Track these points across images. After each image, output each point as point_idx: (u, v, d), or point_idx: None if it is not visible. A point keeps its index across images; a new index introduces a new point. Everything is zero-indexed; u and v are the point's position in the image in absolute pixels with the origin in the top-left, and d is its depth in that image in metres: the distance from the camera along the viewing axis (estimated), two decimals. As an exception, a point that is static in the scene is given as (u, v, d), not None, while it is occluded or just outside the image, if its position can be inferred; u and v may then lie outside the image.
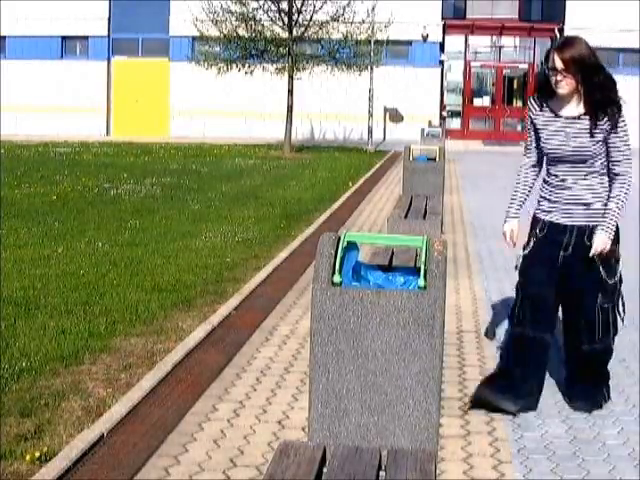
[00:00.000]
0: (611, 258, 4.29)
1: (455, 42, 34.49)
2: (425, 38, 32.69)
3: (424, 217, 8.80)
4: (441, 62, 33.70)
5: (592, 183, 4.28)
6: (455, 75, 35.01)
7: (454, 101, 35.07)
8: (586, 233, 4.28)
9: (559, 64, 4.12)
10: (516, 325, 4.48)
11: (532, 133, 4.46)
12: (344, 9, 25.07)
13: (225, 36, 25.28)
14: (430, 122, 28.31)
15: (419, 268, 3.14)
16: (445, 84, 34.48)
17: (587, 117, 4.22)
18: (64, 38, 34.22)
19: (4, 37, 33.57)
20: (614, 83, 4.23)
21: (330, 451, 2.92)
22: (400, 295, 3.06)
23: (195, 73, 28.11)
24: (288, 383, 4.87)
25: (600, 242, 4.23)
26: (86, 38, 34.15)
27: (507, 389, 4.41)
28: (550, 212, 4.39)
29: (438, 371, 3.04)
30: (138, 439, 4.00)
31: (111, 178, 16.24)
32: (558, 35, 33.22)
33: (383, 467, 2.83)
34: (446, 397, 4.55)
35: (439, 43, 33.41)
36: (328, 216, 11.90)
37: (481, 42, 35.56)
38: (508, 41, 35.91)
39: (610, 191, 4.28)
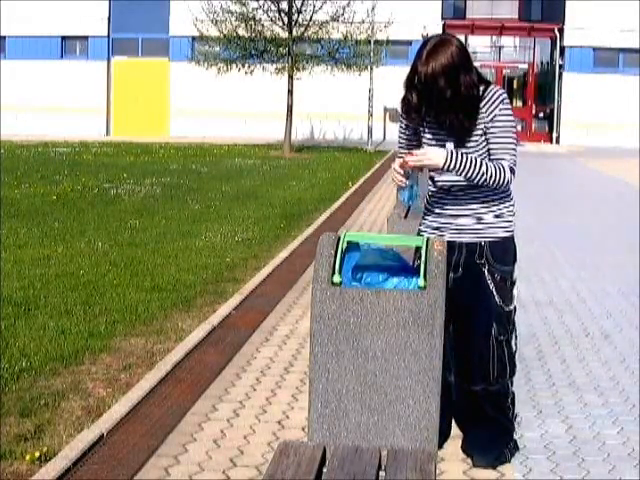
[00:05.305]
0: (506, 280, 3.69)
1: (455, 42, 34.54)
2: (425, 38, 32.71)
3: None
4: (441, 62, 33.73)
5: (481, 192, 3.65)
6: (455, 75, 35.04)
7: (454, 101, 35.12)
8: (477, 251, 3.67)
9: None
10: None
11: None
12: (344, 9, 25.12)
13: (225, 36, 25.33)
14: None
15: (418, 267, 3.13)
16: (445, 84, 34.53)
17: None
18: (64, 38, 34.29)
19: (4, 37, 33.66)
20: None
21: (330, 451, 2.91)
22: (400, 295, 3.06)
23: (195, 73, 28.15)
24: (288, 383, 4.87)
25: (431, 152, 3.44)
26: (86, 38, 34.23)
27: None
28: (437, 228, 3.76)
29: (438, 371, 3.04)
30: (138, 439, 4.00)
31: (111, 178, 16.24)
32: (558, 35, 33.29)
33: (383, 467, 2.83)
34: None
35: (439, 43, 33.44)
36: (328, 216, 11.90)
37: (481, 42, 35.62)
38: (508, 41, 36.02)
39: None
